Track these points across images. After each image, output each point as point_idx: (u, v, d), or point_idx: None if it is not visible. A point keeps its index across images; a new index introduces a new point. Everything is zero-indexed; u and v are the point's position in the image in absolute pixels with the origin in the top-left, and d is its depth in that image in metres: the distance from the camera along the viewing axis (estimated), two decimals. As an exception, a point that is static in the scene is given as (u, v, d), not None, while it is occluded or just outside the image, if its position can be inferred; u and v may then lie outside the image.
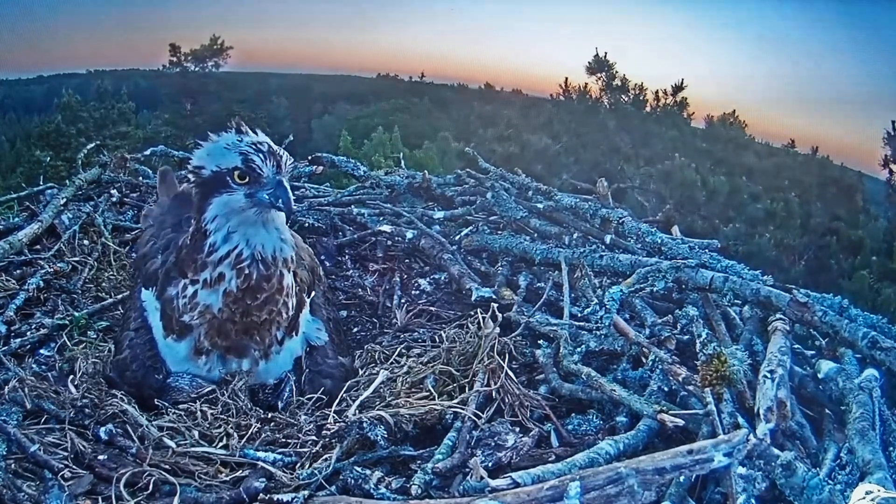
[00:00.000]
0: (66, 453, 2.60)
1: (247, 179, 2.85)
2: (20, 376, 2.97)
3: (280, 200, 2.84)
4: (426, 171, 5.43)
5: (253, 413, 2.97)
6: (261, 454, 2.67)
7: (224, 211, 2.91)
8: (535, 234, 4.64)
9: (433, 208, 5.17)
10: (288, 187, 2.86)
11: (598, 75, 20.94)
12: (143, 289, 3.25)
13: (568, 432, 2.93)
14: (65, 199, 4.87)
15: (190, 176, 2.99)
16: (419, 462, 2.68)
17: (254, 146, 2.87)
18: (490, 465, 2.60)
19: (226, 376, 3.10)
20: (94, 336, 3.56)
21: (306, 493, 2.39)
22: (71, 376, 3.11)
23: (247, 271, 2.93)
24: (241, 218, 2.91)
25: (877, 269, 12.77)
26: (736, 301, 3.69)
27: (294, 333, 3.22)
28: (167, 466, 2.57)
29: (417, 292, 4.43)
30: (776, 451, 2.39)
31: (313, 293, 3.41)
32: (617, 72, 20.94)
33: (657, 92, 20.69)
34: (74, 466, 2.54)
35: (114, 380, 3.14)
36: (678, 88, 20.64)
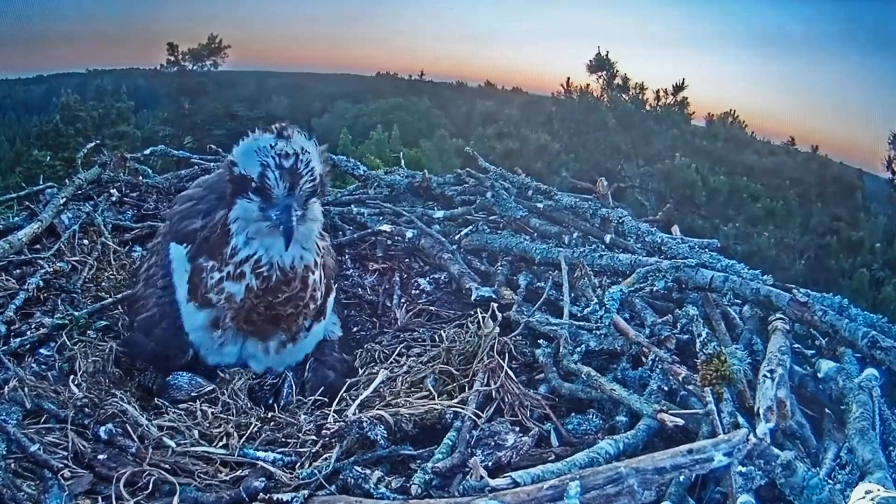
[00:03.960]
0: (65, 453, 2.60)
1: (263, 196, 2.85)
2: (20, 376, 2.96)
3: (282, 226, 2.80)
4: (426, 171, 5.42)
5: (253, 412, 2.97)
6: (260, 454, 2.67)
7: (244, 216, 2.93)
8: (535, 234, 4.64)
9: (433, 208, 5.16)
10: (294, 213, 2.80)
11: (599, 74, 20.90)
12: (174, 243, 3.25)
13: (568, 432, 2.93)
14: (64, 199, 4.85)
15: (229, 166, 2.99)
16: (419, 461, 2.68)
17: (276, 159, 2.81)
18: (490, 464, 2.60)
19: (224, 375, 3.12)
20: (94, 336, 3.55)
21: (306, 492, 2.39)
22: (72, 376, 3.11)
23: (265, 274, 2.97)
24: (257, 227, 2.93)
25: (879, 259, 12.77)
26: (736, 300, 3.70)
27: (322, 318, 3.27)
28: (167, 466, 2.58)
29: (417, 292, 4.42)
30: (776, 451, 2.40)
31: (337, 283, 3.43)
32: (618, 71, 20.91)
33: (658, 91, 20.66)
34: (74, 466, 2.54)
35: (137, 339, 3.16)
36: (679, 88, 20.60)
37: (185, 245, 3.19)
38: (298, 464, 2.64)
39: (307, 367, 3.24)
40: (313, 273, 3.06)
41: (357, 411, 2.84)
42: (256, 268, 2.96)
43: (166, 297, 3.19)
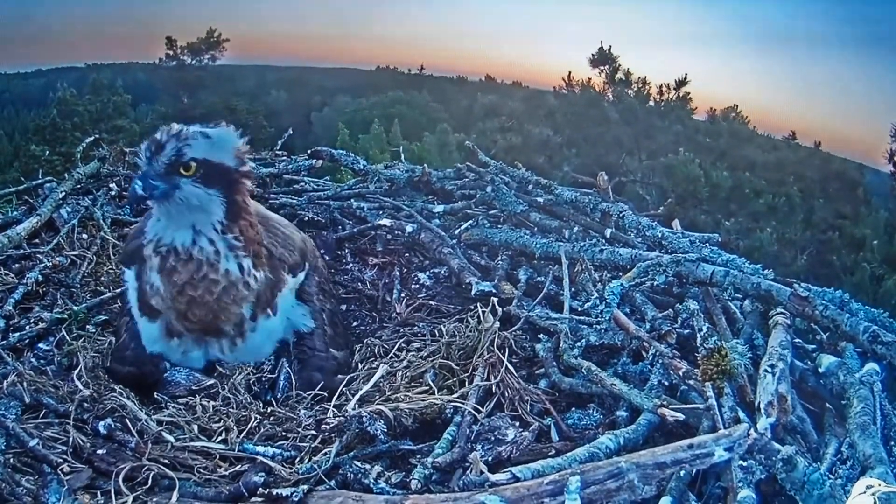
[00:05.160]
0: (64, 447, 2.60)
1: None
2: (19, 370, 2.97)
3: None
4: (426, 165, 5.41)
5: (253, 407, 2.96)
6: (260, 449, 2.66)
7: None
8: (536, 228, 4.63)
9: (433, 202, 5.15)
10: (148, 181, 2.87)
11: (602, 68, 20.80)
12: (126, 269, 3.29)
13: (568, 427, 2.91)
14: (63, 193, 4.85)
15: None
16: (419, 456, 2.67)
17: (153, 135, 2.94)
18: (490, 459, 2.59)
19: (223, 370, 3.11)
20: (93, 330, 3.55)
21: (305, 487, 2.38)
22: (76, 371, 3.10)
23: (164, 255, 2.98)
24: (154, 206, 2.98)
25: (878, 257, 12.75)
26: (737, 295, 3.68)
27: (271, 312, 3.20)
28: (166, 461, 2.57)
29: (417, 286, 4.41)
30: (777, 446, 2.38)
31: (300, 275, 3.39)
32: (620, 65, 20.82)
33: (661, 86, 20.57)
34: (73, 461, 2.54)
35: (114, 366, 3.15)
36: (681, 83, 20.51)
37: (132, 267, 3.22)
38: (298, 459, 2.64)
39: (291, 368, 3.20)
40: (221, 259, 3.00)
41: (356, 406, 2.83)
42: (157, 249, 2.99)
43: (132, 320, 3.20)
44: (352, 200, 5.19)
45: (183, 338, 3.10)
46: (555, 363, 3.27)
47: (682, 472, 2.32)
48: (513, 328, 3.48)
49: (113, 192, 5.24)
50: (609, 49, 20.86)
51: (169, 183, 2.89)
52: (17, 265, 4.06)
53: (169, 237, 2.98)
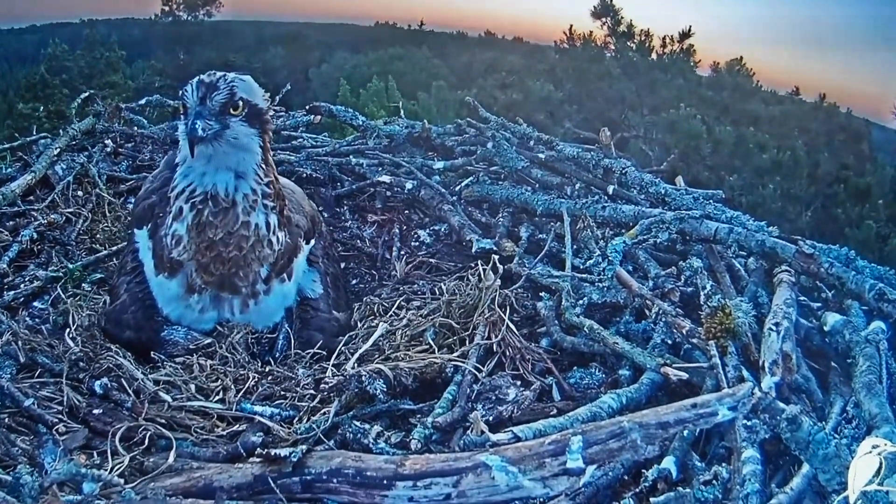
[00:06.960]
0: (60, 407, 2.59)
1: (183, 111, 2.90)
2: (14, 329, 2.94)
3: (187, 128, 2.81)
4: (426, 121, 5.31)
5: (251, 366, 2.94)
6: (258, 408, 2.65)
7: (181, 144, 2.96)
8: (537, 185, 4.56)
9: (433, 158, 5.07)
10: (204, 120, 2.83)
11: (604, 20, 20.38)
12: (136, 229, 3.25)
13: (570, 386, 2.90)
14: (58, 150, 4.76)
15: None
16: (419, 416, 2.66)
17: (199, 77, 2.89)
18: (491, 419, 2.57)
19: (223, 329, 3.07)
20: (89, 288, 3.52)
21: (304, 447, 2.34)
22: (67, 329, 3.07)
23: (199, 206, 2.94)
24: (187, 155, 2.92)
25: (885, 214, 12.67)
26: (741, 252, 3.64)
27: (286, 277, 3.18)
28: (163, 420, 2.56)
29: (417, 244, 4.37)
30: (781, 405, 2.35)
31: (312, 242, 3.36)
32: (623, 17, 20.39)
33: (664, 38, 20.17)
34: (69, 420, 2.54)
35: (110, 329, 3.11)
36: (685, 35, 20.11)
37: (145, 226, 3.19)
38: (296, 418, 2.62)
39: (293, 328, 3.18)
40: (255, 210, 2.99)
41: (356, 365, 2.80)
42: (191, 198, 2.95)
43: (136, 278, 3.16)
44: (350, 157, 5.10)
45: (202, 295, 3.05)
46: (556, 322, 3.23)
47: (685, 432, 2.30)
48: (514, 286, 3.45)
49: (108, 149, 5.15)
50: (611, 0, 20.42)
51: (221, 122, 2.88)
52: (11, 222, 4.02)
53: (208, 183, 2.94)
